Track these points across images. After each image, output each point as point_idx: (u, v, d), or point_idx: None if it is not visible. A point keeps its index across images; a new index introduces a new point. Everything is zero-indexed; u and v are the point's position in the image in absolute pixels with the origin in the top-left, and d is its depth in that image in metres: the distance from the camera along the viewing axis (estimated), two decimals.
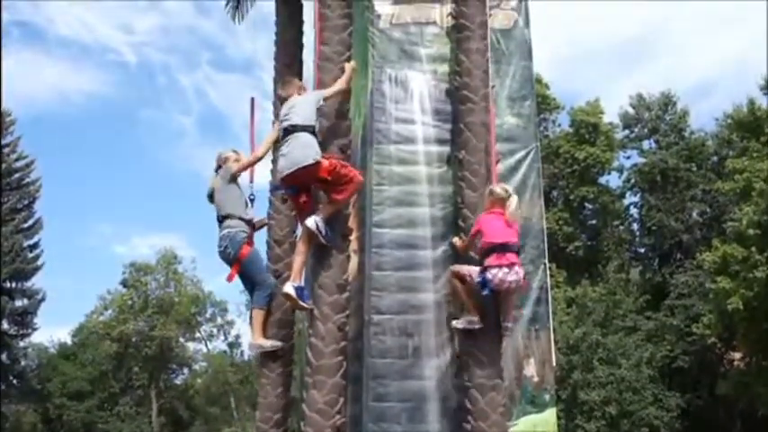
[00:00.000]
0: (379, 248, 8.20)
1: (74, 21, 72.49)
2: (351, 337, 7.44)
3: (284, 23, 9.05)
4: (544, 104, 31.37)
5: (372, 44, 8.78)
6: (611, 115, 33.27)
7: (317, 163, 6.75)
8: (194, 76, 75.34)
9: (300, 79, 8.49)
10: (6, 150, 33.08)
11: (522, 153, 8.75)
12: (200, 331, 42.06)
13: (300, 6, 9.16)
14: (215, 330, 42.25)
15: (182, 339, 41.41)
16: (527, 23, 9.14)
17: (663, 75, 58.83)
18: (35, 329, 34.41)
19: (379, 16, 8.87)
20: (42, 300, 33.83)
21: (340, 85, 7.28)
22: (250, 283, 7.60)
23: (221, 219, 7.43)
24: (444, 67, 8.70)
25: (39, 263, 33.75)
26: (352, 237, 7.61)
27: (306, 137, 6.82)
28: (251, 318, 7.63)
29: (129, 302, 39.15)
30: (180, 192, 69.04)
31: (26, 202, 33.81)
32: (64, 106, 73.02)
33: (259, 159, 7.63)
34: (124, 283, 39.76)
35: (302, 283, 7.04)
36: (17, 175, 33.46)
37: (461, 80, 8.11)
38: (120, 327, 38.11)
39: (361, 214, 8.42)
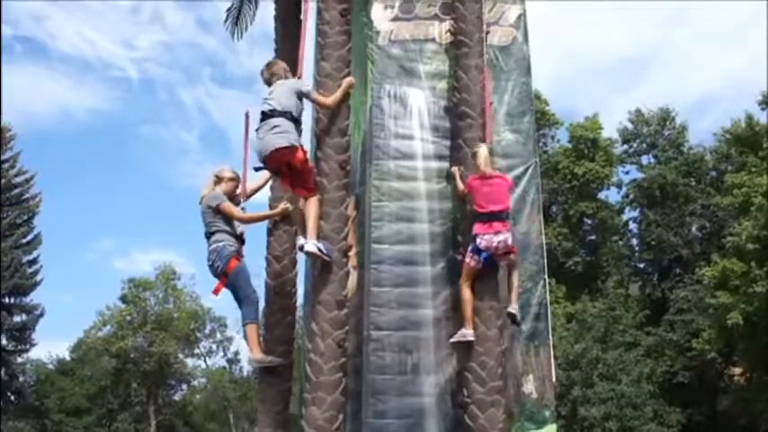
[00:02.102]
0: (379, 264, 8.20)
1: (76, 37, 72.80)
2: (350, 353, 7.42)
3: (283, 40, 9.09)
4: (543, 120, 31.43)
5: (371, 61, 8.80)
6: (609, 131, 33.39)
7: (293, 147, 6.73)
8: (196, 92, 75.54)
9: None
10: (6, 165, 33.13)
11: (521, 169, 8.77)
12: (199, 347, 42.02)
13: (299, 23, 9.20)
14: (214, 346, 42.22)
15: (180, 355, 41.35)
16: (526, 40, 9.18)
17: (662, 91, 59.17)
18: (33, 345, 34.40)
19: (377, 33, 8.90)
20: (41, 315, 33.83)
21: (326, 99, 7.21)
22: (238, 297, 7.56)
23: (209, 234, 7.37)
24: (443, 84, 8.73)
25: (38, 278, 33.75)
26: (352, 253, 7.60)
27: (282, 122, 6.78)
28: (245, 334, 7.59)
29: (128, 318, 39.08)
30: (181, 207, 69.13)
31: (25, 217, 33.83)
32: (66, 122, 73.31)
33: (253, 221, 7.75)
34: (123, 299, 39.72)
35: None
36: (17, 191, 33.50)
37: (460, 96, 8.14)
38: (118, 342, 38.02)
39: (360, 230, 8.42)
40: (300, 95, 7.05)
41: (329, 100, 7.23)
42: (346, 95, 7.41)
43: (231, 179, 7.57)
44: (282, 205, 7.76)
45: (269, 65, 7.48)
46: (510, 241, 7.44)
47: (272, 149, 6.70)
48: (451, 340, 7.57)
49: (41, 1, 67.65)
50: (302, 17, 9.08)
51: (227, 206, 7.33)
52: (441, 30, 8.86)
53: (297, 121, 6.93)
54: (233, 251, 7.31)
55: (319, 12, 7.88)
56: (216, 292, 7.41)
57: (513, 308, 7.59)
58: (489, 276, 7.57)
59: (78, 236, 67.69)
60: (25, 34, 69.50)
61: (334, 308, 6.99)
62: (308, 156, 7.04)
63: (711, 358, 26.73)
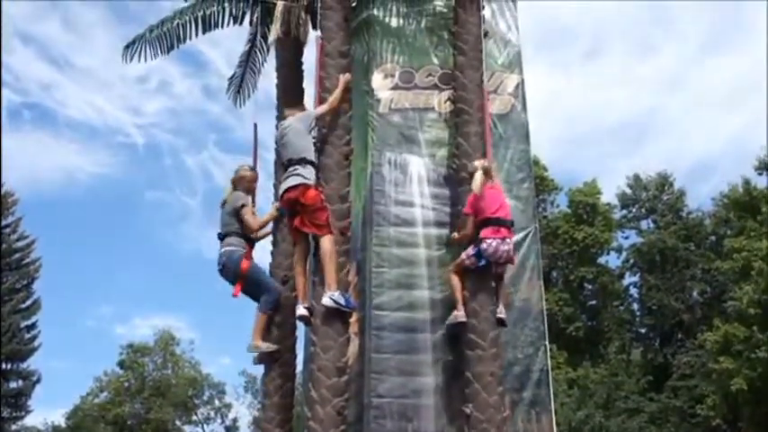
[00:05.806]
0: (379, 331, 8.18)
1: (84, 104, 73.29)
2: (350, 421, 7.37)
3: (286, 107, 9.22)
4: (542, 186, 31.58)
5: (372, 128, 8.93)
6: (609, 196, 33.57)
7: (303, 185, 7.14)
8: (200, 158, 75.89)
9: None
10: (7, 230, 33.19)
11: (521, 235, 8.79)
12: (196, 414, 41.40)
13: (302, 91, 9.36)
14: (212, 413, 41.60)
15: (178, 422, 40.69)
16: (524, 108, 9.31)
17: (661, 155, 59.35)
18: (29, 412, 33.88)
19: (378, 101, 9.05)
20: (38, 381, 33.39)
21: (330, 103, 7.70)
22: (257, 297, 7.77)
23: (222, 236, 7.78)
24: (442, 152, 8.86)
25: (36, 344, 33.48)
26: (353, 319, 7.60)
27: (298, 167, 7.25)
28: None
29: (126, 384, 38.65)
30: (183, 273, 68.58)
31: (25, 282, 33.73)
32: (70, 186, 73.41)
33: (260, 227, 7.99)
34: (121, 365, 39.34)
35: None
36: (17, 255, 33.49)
37: (460, 162, 8.25)
38: (115, 409, 37.49)
39: (361, 297, 8.42)
40: (311, 127, 7.50)
41: (328, 104, 7.70)
42: (346, 91, 7.86)
43: (245, 176, 8.04)
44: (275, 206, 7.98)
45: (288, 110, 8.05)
46: (512, 251, 7.71)
47: (285, 189, 7.19)
48: (446, 322, 7.88)
49: (51, 70, 68.55)
50: (304, 85, 9.30)
51: (246, 210, 7.74)
52: (440, 99, 9.02)
53: (312, 162, 7.37)
54: (242, 254, 7.63)
55: (321, 80, 8.04)
56: (236, 294, 7.68)
57: (501, 311, 7.82)
58: (491, 341, 7.55)
59: (79, 301, 67.09)
60: (35, 101, 70.04)
61: (334, 375, 6.97)
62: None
63: (716, 425, 26.33)
